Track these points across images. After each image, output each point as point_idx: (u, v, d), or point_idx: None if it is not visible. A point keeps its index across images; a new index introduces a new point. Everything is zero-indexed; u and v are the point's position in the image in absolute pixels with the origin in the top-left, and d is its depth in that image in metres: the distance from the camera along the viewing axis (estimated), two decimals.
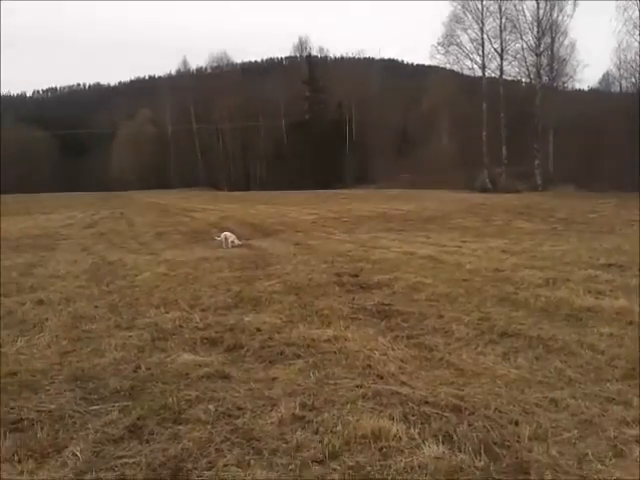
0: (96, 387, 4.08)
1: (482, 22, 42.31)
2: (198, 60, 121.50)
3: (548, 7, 39.90)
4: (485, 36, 42.66)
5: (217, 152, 61.80)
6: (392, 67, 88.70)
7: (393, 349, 4.46)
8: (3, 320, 6.28)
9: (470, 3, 42.32)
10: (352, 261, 9.95)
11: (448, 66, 45.80)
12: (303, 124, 61.14)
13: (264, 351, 4.76)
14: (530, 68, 41.41)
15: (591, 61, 68.35)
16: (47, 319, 6.21)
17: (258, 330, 5.41)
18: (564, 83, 42.82)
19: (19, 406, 3.75)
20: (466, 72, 45.06)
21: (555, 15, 40.20)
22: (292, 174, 56.16)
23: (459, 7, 42.99)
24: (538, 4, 40.06)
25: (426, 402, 3.43)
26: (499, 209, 24.58)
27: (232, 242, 12.99)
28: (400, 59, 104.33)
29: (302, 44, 66.11)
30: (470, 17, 42.75)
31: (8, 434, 3.35)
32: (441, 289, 6.84)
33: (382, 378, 3.88)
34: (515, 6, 41.11)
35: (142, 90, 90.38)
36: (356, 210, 25.33)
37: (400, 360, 4.21)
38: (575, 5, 39.87)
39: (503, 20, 41.48)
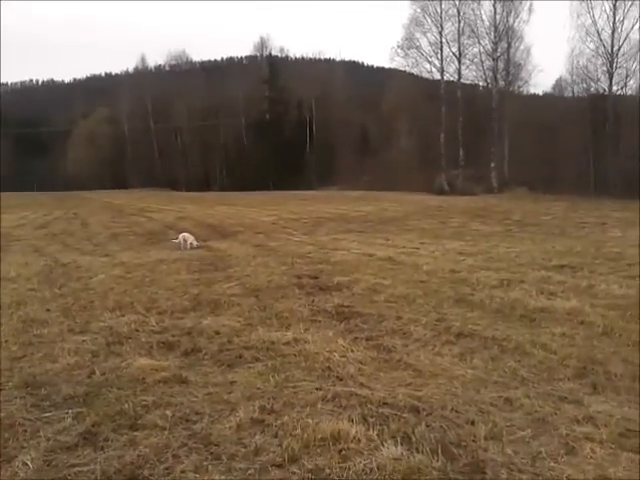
0: (48, 394, 3.96)
1: (441, 26, 42.98)
2: (157, 58, 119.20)
3: (505, 13, 40.88)
4: (444, 40, 43.37)
5: (175, 152, 60.91)
6: (353, 68, 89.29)
7: (352, 351, 4.48)
8: None
9: (430, 6, 42.93)
10: (312, 263, 9.95)
11: (407, 69, 46.33)
12: (263, 124, 60.82)
13: (222, 355, 4.71)
14: (487, 72, 42.27)
15: (545, 66, 70.30)
16: None
17: (217, 333, 5.35)
18: (519, 87, 43.92)
19: None
20: (425, 75, 45.63)
21: (511, 21, 41.21)
22: (252, 175, 55.84)
23: (419, 10, 43.58)
24: (495, 9, 40.99)
25: (385, 403, 3.46)
26: (456, 211, 25.04)
27: (191, 244, 12.81)
28: (361, 61, 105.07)
29: (263, 43, 65.85)
30: (429, 20, 43.38)
31: None
32: (399, 290, 6.91)
33: (341, 380, 3.90)
34: (473, 11, 41.92)
35: (99, 88, 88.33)
36: (316, 212, 25.37)
37: (359, 362, 4.23)
38: (530, 11, 40.96)
39: (462, 24, 42.28)
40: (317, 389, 3.75)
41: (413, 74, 48.14)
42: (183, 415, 3.50)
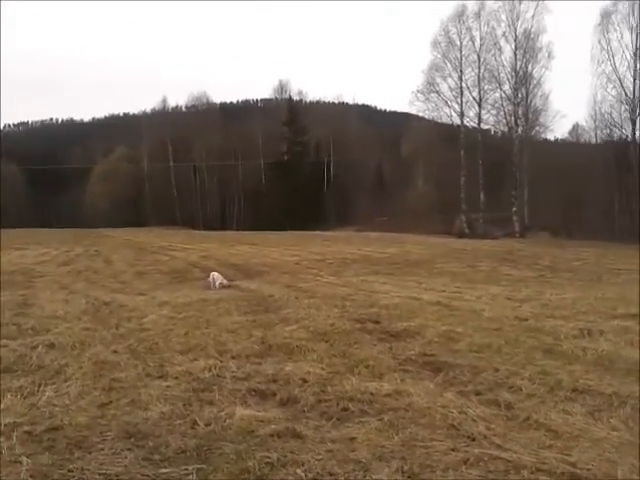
0: (155, 446, 3.70)
1: (461, 71, 43.68)
2: (177, 99, 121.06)
3: (525, 59, 41.46)
4: (464, 85, 43.98)
5: (194, 190, 61.40)
6: (366, 112, 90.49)
7: (467, 406, 4.19)
8: (17, 365, 5.84)
9: (450, 53, 43.77)
10: (362, 307, 9.67)
11: (427, 113, 46.88)
12: (282, 165, 61.41)
13: (323, 406, 4.44)
14: (508, 117, 42.61)
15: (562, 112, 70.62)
16: (66, 365, 5.79)
17: (304, 381, 5.09)
18: (540, 133, 44.25)
19: (78, 468, 3.36)
20: (444, 119, 46.14)
21: (531, 67, 41.80)
22: (270, 214, 55.97)
23: (439, 56, 44.41)
24: (516, 56, 41.58)
25: (538, 469, 3.16)
26: (481, 255, 24.80)
27: (220, 283, 12.66)
28: (373, 105, 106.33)
29: (282, 87, 67.11)
30: (450, 66, 44.15)
31: None
32: (477, 339, 6.63)
33: (474, 440, 3.60)
34: (495, 57, 42.64)
35: (117, 127, 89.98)
36: (339, 252, 25.21)
37: (483, 419, 3.94)
38: (550, 57, 41.46)
39: (482, 70, 42.94)
40: (452, 450, 3.45)
41: (425, 118, 48.86)
42: (316, 475, 3.22)
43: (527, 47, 41.11)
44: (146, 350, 6.48)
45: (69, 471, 3.34)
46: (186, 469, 3.34)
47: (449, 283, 13.95)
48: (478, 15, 42.58)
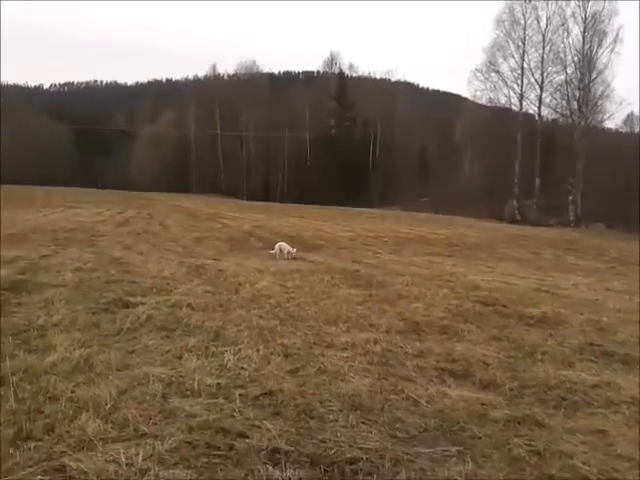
0: (390, 422, 3.51)
1: (524, 51, 42.36)
2: (225, 67, 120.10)
3: (593, 43, 39.89)
4: (526, 66, 42.63)
5: (239, 160, 61.23)
6: (410, 90, 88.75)
7: None
8: (172, 324, 5.74)
9: (513, 32, 42.42)
10: (467, 288, 9.36)
11: (485, 93, 45.65)
12: (328, 139, 60.82)
13: (530, 392, 4.18)
14: (571, 102, 41.14)
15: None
16: (222, 327, 5.66)
17: (486, 364, 4.84)
18: (602, 120, 42.75)
19: (329, 439, 3.19)
20: (502, 100, 44.92)
21: (600, 51, 40.21)
22: (313, 188, 55.64)
23: (502, 35, 43.13)
24: (584, 38, 40.08)
25: None
26: (541, 242, 24.31)
27: (288, 253, 12.45)
28: (416, 83, 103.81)
29: (333, 59, 66.07)
30: (512, 46, 42.85)
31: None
32: (634, 331, 6.30)
33: None
34: (562, 39, 41.18)
35: (160, 92, 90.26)
36: (391, 231, 24.90)
37: None
38: (617, 42, 39.65)
39: (546, 51, 41.54)
40: None
41: (469, 99, 47.58)
42: (601, 471, 2.98)
43: (596, 30, 39.51)
44: (289, 317, 6.31)
45: (321, 442, 3.17)
46: (446, 450, 3.14)
47: (522, 269, 13.62)
48: None
